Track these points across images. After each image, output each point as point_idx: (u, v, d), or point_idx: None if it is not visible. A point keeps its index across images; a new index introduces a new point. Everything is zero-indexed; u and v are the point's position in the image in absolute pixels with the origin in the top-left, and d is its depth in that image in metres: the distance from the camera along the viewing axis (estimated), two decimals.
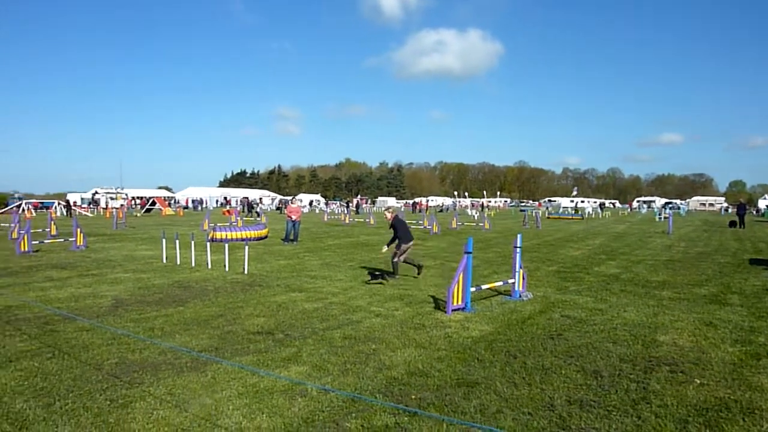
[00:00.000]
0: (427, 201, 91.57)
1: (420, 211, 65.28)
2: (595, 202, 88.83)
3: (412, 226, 29.26)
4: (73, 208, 49.33)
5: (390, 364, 5.40)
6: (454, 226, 29.31)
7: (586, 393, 4.65)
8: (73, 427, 3.87)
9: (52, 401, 4.34)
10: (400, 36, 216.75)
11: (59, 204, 53.83)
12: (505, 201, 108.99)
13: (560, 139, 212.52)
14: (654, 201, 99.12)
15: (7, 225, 25.32)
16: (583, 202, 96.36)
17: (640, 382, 4.91)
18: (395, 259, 10.92)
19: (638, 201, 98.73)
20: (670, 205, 79.39)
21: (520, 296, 8.91)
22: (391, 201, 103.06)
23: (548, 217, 47.50)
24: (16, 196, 61.49)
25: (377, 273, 10.88)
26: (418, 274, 11.17)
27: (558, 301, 8.79)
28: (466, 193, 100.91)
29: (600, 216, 54.88)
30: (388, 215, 11.35)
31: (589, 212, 56.52)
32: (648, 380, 4.97)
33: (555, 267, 13.10)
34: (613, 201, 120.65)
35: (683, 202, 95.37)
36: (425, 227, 28.17)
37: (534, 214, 37.22)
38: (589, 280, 11.01)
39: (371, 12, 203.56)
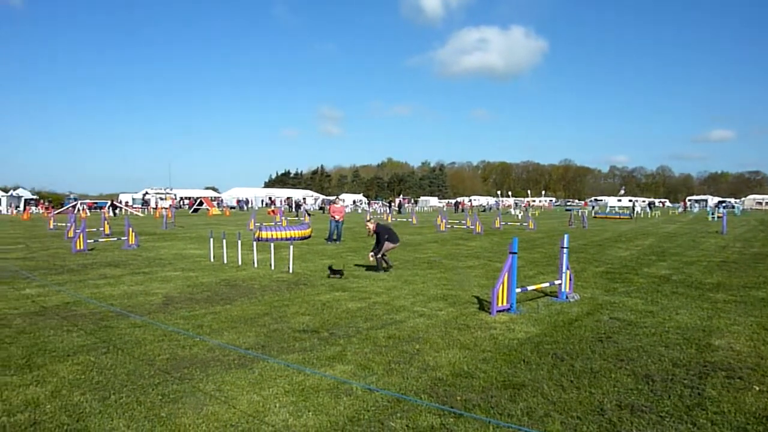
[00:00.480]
0: (470, 201, 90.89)
1: (462, 211, 64.90)
2: (643, 201, 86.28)
3: (455, 226, 29.19)
4: (125, 207, 51.04)
5: (434, 364, 5.37)
6: (497, 225, 29.00)
7: (637, 398, 4.51)
8: (127, 421, 4.00)
9: (107, 395, 4.49)
10: (442, 35, 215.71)
11: (112, 204, 55.84)
12: (550, 200, 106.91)
13: (607, 136, 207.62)
14: (706, 200, 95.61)
15: (64, 224, 26.42)
16: (631, 201, 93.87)
17: (694, 388, 4.73)
18: (379, 256, 11.62)
19: (689, 200, 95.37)
20: (724, 204, 76.43)
21: (566, 297, 8.73)
22: (433, 200, 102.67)
23: (595, 217, 46.44)
24: (72, 196, 64.06)
25: (337, 269, 11.07)
26: (381, 271, 11.64)
27: (606, 302, 8.57)
28: (510, 193, 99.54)
29: (649, 215, 53.30)
30: (371, 226, 11.91)
31: (637, 212, 54.93)
32: (703, 386, 4.78)
33: (602, 268, 12.78)
34: (662, 200, 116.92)
35: (738, 200, 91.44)
36: (468, 227, 27.95)
37: (580, 214, 36.43)
38: (638, 282, 10.70)
39: (413, 11, 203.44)
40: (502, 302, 7.68)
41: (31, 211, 55.85)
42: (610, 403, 4.38)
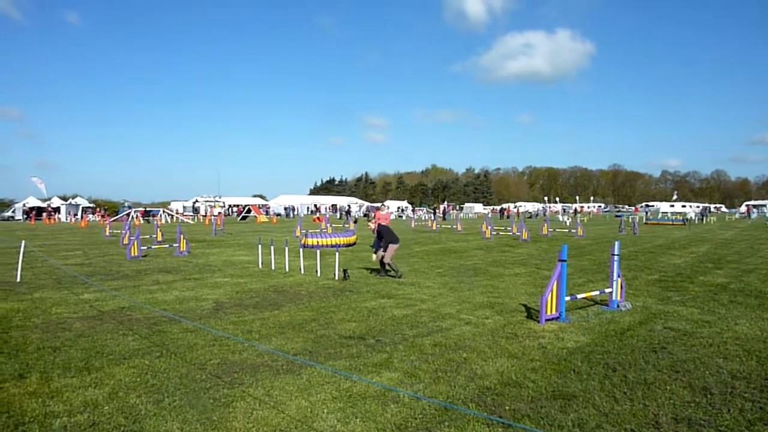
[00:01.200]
0: (516, 207, 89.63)
1: (508, 217, 64.10)
2: (697, 207, 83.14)
3: (500, 233, 28.84)
4: (176, 214, 52.57)
5: (482, 373, 5.31)
6: (544, 232, 28.48)
7: (694, 411, 4.35)
8: (180, 423, 4.11)
9: (161, 398, 4.63)
10: (486, 40, 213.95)
11: (164, 212, 57.66)
12: (599, 206, 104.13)
13: (658, 140, 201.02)
14: (765, 205, 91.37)
15: (119, 231, 27.43)
16: (684, 206, 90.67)
17: (755, 402, 4.52)
18: (386, 260, 11.97)
19: (746, 205, 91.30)
20: None
21: (618, 306, 8.49)
22: (478, 207, 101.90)
23: (646, 223, 45.07)
24: (126, 204, 66.40)
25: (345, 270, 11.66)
26: (394, 274, 11.98)
27: (660, 311, 8.30)
28: (557, 199, 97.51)
29: (704, 221, 51.35)
30: (372, 226, 12.44)
31: (690, 217, 53.01)
32: (765, 400, 4.57)
33: (655, 276, 12.38)
34: (717, 205, 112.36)
35: None
36: (514, 234, 27.57)
37: (631, 220, 35.40)
38: (693, 290, 10.31)
39: (456, 17, 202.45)
40: (551, 311, 7.54)
41: (88, 219, 58.30)
42: (666, 416, 4.23)
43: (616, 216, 52.45)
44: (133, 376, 5.19)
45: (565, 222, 47.19)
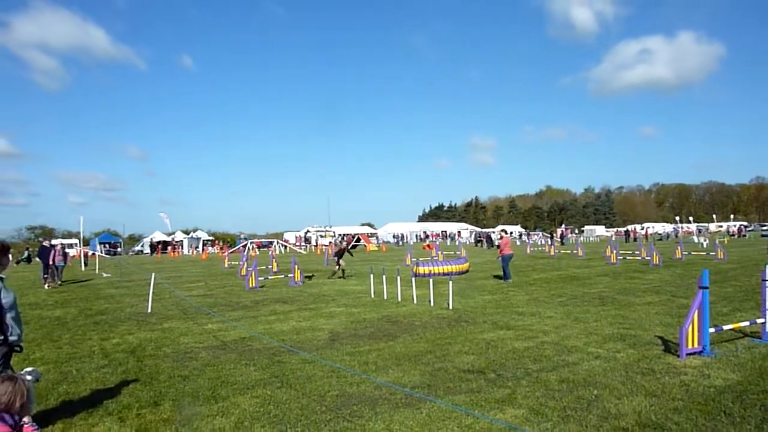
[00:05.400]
0: (644, 228, 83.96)
1: (635, 240, 60.07)
2: None
3: (627, 257, 26.95)
4: (289, 245, 54.75)
5: (616, 412, 4.82)
6: (678, 256, 26.19)
7: None
8: None
9: (284, 428, 4.64)
10: (596, 51, 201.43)
11: (278, 243, 60.41)
12: (741, 225, 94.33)
13: None
14: None
15: (237, 263, 28.98)
16: None
17: None
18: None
19: None
20: None
21: None
22: (600, 229, 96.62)
23: None
24: (242, 236, 70.33)
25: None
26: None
27: None
28: (691, 218, 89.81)
29: None
30: (335, 248, 16.63)
31: None
32: None
33: None
34: None
35: None
36: (643, 258, 25.63)
37: None
38: None
39: (562, 30, 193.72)
40: (693, 344, 6.78)
41: (208, 251, 62.41)
42: None
43: (763, 236, 47.13)
44: (256, 406, 5.28)
45: (702, 244, 43.38)
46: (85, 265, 33.99)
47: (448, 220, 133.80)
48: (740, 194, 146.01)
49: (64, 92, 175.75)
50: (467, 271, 20.33)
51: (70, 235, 79.00)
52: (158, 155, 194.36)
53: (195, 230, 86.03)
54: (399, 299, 12.95)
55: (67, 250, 26.00)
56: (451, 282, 12.45)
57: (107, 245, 69.50)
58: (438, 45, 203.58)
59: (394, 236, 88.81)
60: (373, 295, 14.02)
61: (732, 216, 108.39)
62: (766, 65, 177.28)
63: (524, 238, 75.13)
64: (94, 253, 46.91)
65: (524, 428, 4.49)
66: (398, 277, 13.59)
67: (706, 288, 6.83)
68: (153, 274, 15.02)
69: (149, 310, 12.52)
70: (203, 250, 65.06)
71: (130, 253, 71.56)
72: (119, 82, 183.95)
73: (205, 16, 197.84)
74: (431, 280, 13.62)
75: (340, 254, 20.96)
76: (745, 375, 5.92)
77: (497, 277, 18.44)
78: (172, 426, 4.79)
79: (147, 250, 74.05)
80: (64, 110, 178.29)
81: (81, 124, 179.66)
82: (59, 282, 21.53)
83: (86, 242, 51.93)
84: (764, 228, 75.89)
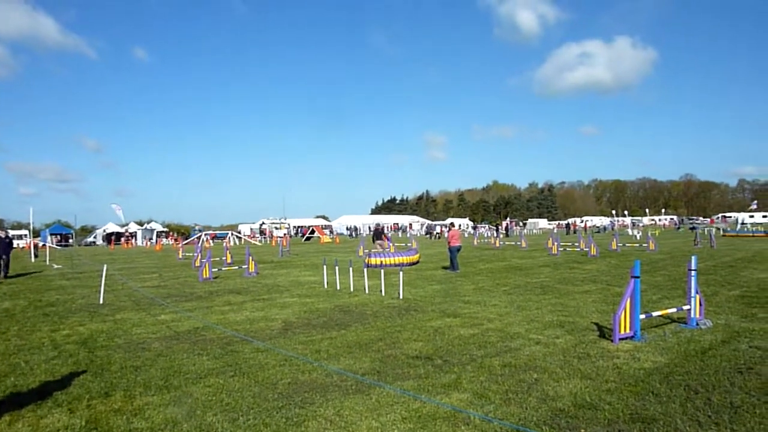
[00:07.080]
0: (583, 222, 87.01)
1: (575, 232, 62.33)
2: None
3: (568, 249, 28.00)
4: (244, 237, 54.11)
5: (554, 394, 5.16)
6: (614, 247, 27.46)
7: None
8: None
9: (236, 416, 4.76)
10: (541, 53, 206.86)
11: (232, 234, 59.60)
12: (671, 219, 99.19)
13: (733, 148, 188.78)
14: None
15: (191, 254, 28.56)
16: (765, 216, 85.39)
17: None
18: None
19: None
20: None
21: (697, 324, 8.06)
22: (543, 222, 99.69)
23: (724, 235, 42.71)
24: (197, 228, 69.10)
25: None
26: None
27: (744, 329, 7.81)
28: (626, 212, 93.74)
29: None
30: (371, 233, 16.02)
31: None
32: None
33: (737, 291, 11.69)
34: None
35: None
36: (582, 249, 26.73)
37: (707, 232, 33.61)
38: None
39: (507, 31, 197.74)
40: (625, 329, 7.25)
41: (162, 242, 61.04)
42: None
43: (690, 228, 49.88)
44: (209, 395, 5.37)
45: (635, 236, 45.37)
46: (35, 256, 32.72)
47: (400, 212, 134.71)
48: (671, 190, 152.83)
49: (15, 81, 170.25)
50: (418, 262, 20.69)
51: (20, 226, 76.74)
52: (113, 147, 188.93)
53: (149, 222, 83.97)
54: (351, 290, 13.13)
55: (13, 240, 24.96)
56: (401, 272, 12.73)
57: (59, 236, 67.61)
58: (396, 44, 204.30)
59: (347, 228, 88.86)
60: (326, 286, 14.15)
61: (663, 210, 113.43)
62: (696, 70, 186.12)
63: (470, 230, 76.58)
64: (44, 245, 45.20)
65: (468, 411, 4.76)
66: (351, 269, 13.77)
67: (638, 277, 7.30)
68: (105, 265, 14.69)
69: (101, 302, 12.29)
70: (157, 241, 63.43)
71: (83, 245, 69.25)
72: (72, 72, 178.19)
73: (161, 7, 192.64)
74: (382, 271, 13.87)
75: (378, 236, 25.61)
76: (671, 358, 6.37)
77: (445, 267, 18.89)
78: (123, 416, 4.83)
79: (100, 241, 71.94)
80: (15, 100, 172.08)
81: (33, 115, 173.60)
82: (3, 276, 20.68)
83: (36, 233, 49.94)
84: (691, 221, 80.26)
